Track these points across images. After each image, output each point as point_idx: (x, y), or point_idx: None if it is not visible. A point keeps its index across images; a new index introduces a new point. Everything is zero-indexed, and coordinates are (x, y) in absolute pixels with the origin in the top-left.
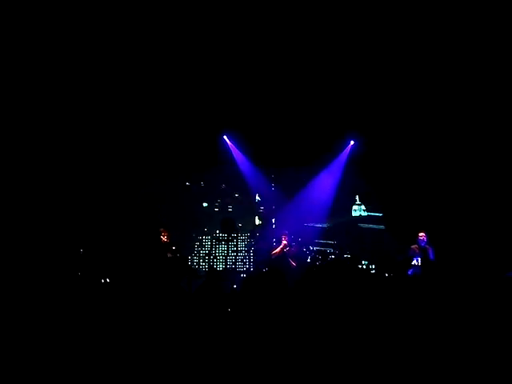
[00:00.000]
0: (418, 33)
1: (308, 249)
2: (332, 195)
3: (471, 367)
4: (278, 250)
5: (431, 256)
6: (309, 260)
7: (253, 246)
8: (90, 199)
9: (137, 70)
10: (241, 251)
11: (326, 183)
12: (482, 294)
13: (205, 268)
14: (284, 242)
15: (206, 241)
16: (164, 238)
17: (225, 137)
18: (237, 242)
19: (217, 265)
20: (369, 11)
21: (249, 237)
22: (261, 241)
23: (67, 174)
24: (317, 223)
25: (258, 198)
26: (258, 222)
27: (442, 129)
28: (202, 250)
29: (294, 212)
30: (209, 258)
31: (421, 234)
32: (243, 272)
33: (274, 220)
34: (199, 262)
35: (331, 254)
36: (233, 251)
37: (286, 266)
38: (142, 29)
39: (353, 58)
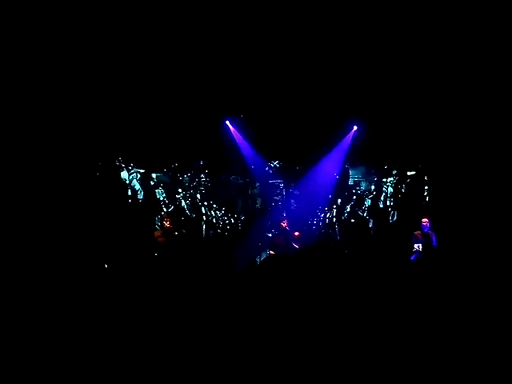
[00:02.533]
0: (419, 21)
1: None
2: (334, 181)
3: (474, 355)
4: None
5: (434, 242)
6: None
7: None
8: (91, 190)
9: (137, 58)
10: None
11: (328, 169)
12: (485, 280)
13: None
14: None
15: None
16: (167, 224)
17: (227, 122)
18: None
19: None
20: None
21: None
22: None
23: (63, 171)
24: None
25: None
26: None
27: (446, 114)
28: None
29: (297, 198)
30: None
31: (424, 220)
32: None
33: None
34: None
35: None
36: None
37: (289, 249)
38: (141, 16)
39: (355, 44)
